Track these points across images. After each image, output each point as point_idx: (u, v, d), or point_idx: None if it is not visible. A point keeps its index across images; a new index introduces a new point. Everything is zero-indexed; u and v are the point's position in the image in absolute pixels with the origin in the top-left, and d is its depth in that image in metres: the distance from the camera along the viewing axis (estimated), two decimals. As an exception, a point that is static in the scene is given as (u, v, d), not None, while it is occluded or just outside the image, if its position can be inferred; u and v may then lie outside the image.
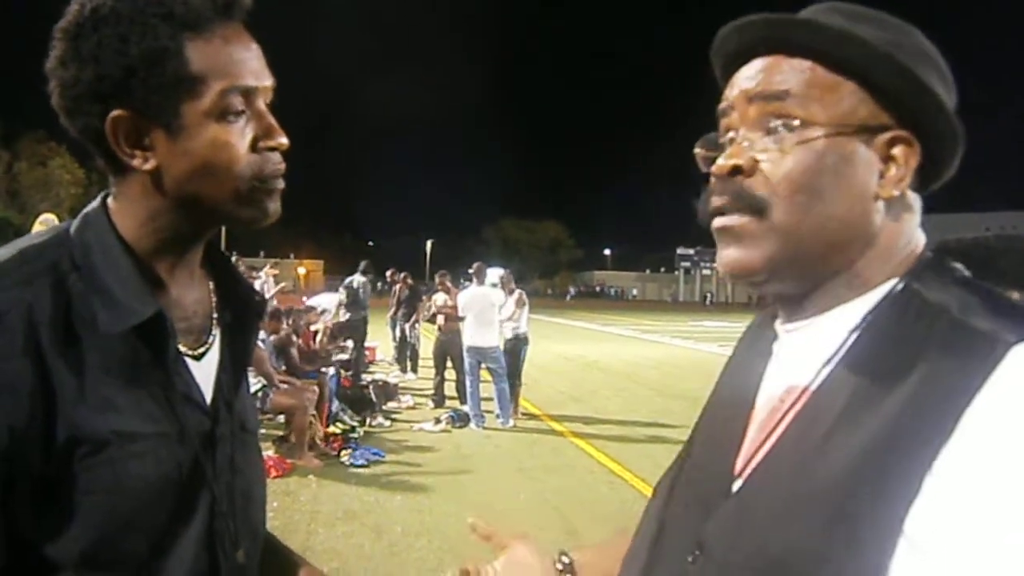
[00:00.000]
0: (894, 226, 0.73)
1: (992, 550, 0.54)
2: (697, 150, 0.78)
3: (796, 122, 0.69)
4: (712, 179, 0.74)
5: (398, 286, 13.12)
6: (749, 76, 0.73)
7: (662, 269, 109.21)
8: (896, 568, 0.58)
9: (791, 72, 0.70)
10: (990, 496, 0.56)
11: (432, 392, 9.61)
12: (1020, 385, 0.58)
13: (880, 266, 0.72)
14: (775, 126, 0.70)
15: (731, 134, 0.75)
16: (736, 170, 0.71)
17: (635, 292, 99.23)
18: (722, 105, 0.76)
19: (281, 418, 6.62)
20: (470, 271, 9.35)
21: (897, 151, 0.71)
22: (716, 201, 0.73)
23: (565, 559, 0.99)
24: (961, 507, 0.57)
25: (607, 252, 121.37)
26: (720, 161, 0.73)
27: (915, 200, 0.75)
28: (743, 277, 0.73)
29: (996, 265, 0.75)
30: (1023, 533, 0.54)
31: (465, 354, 8.71)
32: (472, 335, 8.63)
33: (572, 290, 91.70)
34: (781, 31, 0.71)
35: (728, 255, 0.73)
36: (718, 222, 0.73)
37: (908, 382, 0.63)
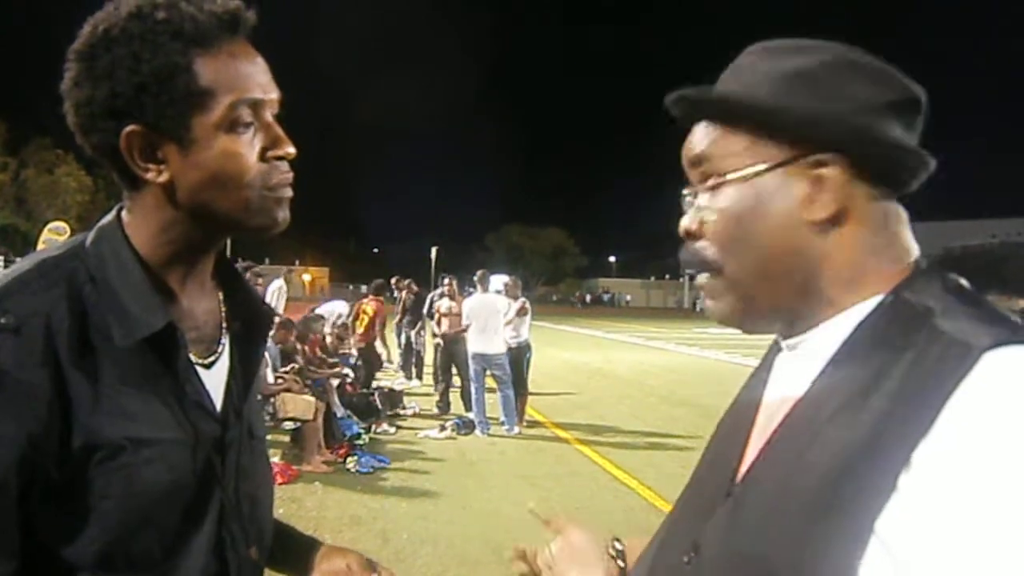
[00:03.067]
0: (849, 241, 0.72)
1: (963, 559, 0.55)
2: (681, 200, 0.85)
3: (716, 179, 0.76)
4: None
5: (403, 293, 13.12)
6: (688, 142, 0.80)
7: (667, 276, 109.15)
8: (867, 569, 0.60)
9: (705, 136, 0.78)
10: (962, 502, 0.57)
11: (437, 399, 9.62)
12: (990, 390, 0.59)
13: (851, 281, 0.73)
14: (706, 186, 0.77)
15: (688, 193, 0.81)
16: (688, 233, 0.79)
17: (628, 298, 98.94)
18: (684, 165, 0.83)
19: (287, 425, 6.63)
20: (474, 278, 9.35)
21: (826, 171, 0.71)
22: (684, 260, 0.81)
23: (618, 545, 1.02)
24: (933, 512, 0.58)
25: (612, 259, 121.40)
26: (681, 223, 0.80)
27: (883, 209, 0.74)
28: (726, 325, 0.81)
29: (999, 272, 0.75)
30: (995, 541, 0.55)
31: (470, 361, 8.72)
32: (477, 342, 8.63)
33: (588, 297, 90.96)
34: (690, 104, 0.80)
35: (709, 308, 0.81)
36: (697, 281, 0.81)
37: (886, 388, 0.64)
